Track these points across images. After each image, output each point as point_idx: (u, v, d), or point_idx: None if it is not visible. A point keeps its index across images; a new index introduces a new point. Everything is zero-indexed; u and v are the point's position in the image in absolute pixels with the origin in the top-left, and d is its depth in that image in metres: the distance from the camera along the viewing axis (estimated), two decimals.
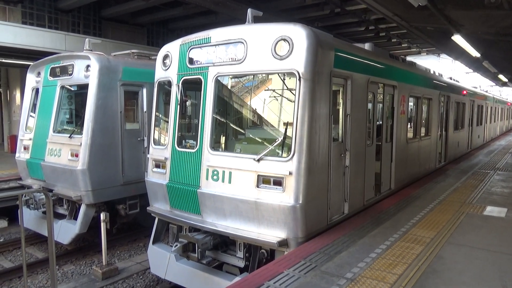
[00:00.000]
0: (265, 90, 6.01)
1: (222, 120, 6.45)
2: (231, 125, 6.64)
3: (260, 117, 6.43)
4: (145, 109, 9.15)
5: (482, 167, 12.72)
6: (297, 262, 4.70)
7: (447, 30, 9.51)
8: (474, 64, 17.59)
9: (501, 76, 21.42)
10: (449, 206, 7.51)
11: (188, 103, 6.86)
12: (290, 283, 4.17)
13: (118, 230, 9.93)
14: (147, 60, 9.73)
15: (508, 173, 11.46)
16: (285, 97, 5.68)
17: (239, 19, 13.17)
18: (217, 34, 5.90)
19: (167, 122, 6.59)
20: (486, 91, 25.01)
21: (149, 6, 15.75)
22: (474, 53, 12.40)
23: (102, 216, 7.46)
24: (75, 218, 8.66)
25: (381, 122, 7.82)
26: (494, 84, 29.64)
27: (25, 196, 8.85)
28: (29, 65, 10.13)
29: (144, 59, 9.73)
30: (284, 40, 5.22)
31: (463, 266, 4.66)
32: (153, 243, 6.90)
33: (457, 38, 10.04)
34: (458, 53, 14.30)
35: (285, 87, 5.60)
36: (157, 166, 6.62)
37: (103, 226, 7.45)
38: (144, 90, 9.16)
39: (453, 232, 5.92)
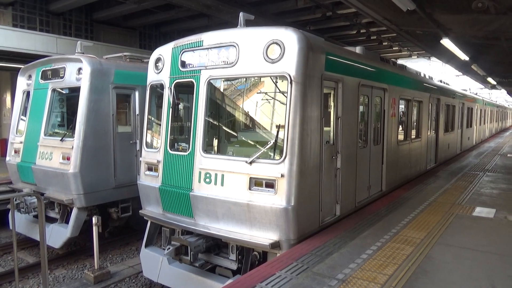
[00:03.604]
0: (257, 93, 6.05)
1: (215, 123, 6.47)
2: (224, 128, 6.67)
3: (252, 120, 6.46)
4: (137, 112, 9.14)
5: (472, 168, 12.89)
6: (289, 263, 4.73)
7: (436, 34, 9.64)
8: (463, 67, 17.83)
9: (490, 79, 21.72)
10: (439, 207, 7.61)
11: (180, 106, 6.87)
12: (282, 284, 4.20)
13: (110, 233, 9.87)
14: (139, 63, 9.72)
15: (497, 175, 11.64)
16: (277, 100, 5.73)
17: (232, 23, 13.23)
18: (209, 37, 5.94)
19: (160, 125, 6.60)
20: (476, 94, 25.36)
21: (142, 9, 15.75)
22: (463, 56, 12.58)
23: (94, 219, 7.41)
24: (67, 222, 8.60)
25: (372, 125, 7.91)
26: (484, 86, 30.03)
27: (16, 199, 8.77)
28: (20, 68, 10.06)
29: (136, 62, 9.73)
30: (276, 43, 5.27)
31: (453, 266, 4.73)
32: (146, 246, 6.89)
33: (446, 42, 10.18)
34: (447, 57, 14.50)
35: (276, 90, 5.64)
36: (150, 169, 6.61)
37: (95, 230, 7.41)
38: (136, 93, 9.16)
39: (443, 233, 6.01)
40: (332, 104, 6.35)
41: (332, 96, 6.33)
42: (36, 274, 8.15)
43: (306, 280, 4.29)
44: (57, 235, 8.51)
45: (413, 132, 10.70)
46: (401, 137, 9.64)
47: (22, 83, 9.94)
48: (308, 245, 5.31)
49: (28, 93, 9.74)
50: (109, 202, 8.92)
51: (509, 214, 6.98)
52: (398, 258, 4.95)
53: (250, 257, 5.59)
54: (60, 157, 8.45)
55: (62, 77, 8.86)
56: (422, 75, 11.93)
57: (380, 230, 6.10)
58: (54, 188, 8.66)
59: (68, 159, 8.25)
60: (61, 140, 8.49)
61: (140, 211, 6.88)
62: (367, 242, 5.54)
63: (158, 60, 6.64)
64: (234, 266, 5.81)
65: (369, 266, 4.68)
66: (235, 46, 5.62)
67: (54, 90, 9.08)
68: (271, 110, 5.92)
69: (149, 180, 6.59)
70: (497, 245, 5.52)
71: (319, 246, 5.31)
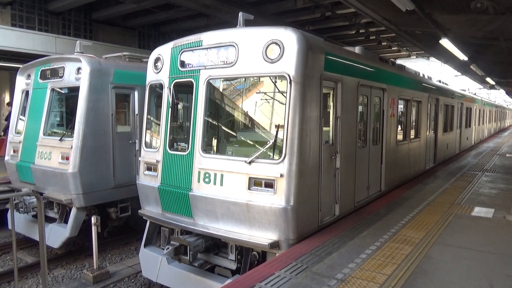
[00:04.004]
0: (256, 93, 6.06)
1: (214, 122, 6.48)
2: (223, 127, 6.68)
3: (251, 120, 6.47)
4: (136, 112, 9.14)
5: (471, 168, 12.91)
6: (288, 263, 4.74)
7: (435, 34, 9.66)
8: (462, 67, 17.85)
9: (488, 79, 21.76)
10: (438, 207, 7.62)
11: (179, 106, 6.87)
12: (281, 284, 4.21)
13: (109, 233, 9.87)
14: (138, 62, 9.71)
15: (495, 175, 11.66)
16: (276, 100, 5.73)
17: (231, 22, 13.23)
18: (208, 37, 5.94)
19: (159, 125, 6.60)
20: (475, 94, 25.40)
21: (141, 9, 15.74)
22: (462, 56, 12.61)
23: (93, 219, 7.41)
24: (66, 222, 8.59)
25: (371, 125, 7.91)
26: (482, 87, 30.08)
27: (15, 199, 8.76)
28: (19, 67, 10.05)
29: (135, 62, 9.72)
30: (275, 43, 5.27)
31: (451, 266, 4.74)
32: (145, 246, 6.88)
33: (445, 42, 10.20)
34: (446, 57, 14.52)
35: (276, 90, 5.65)
36: (149, 169, 6.61)
37: (94, 230, 7.41)
38: (136, 93, 9.15)
39: (442, 232, 6.02)
40: (331, 104, 6.36)
41: (331, 96, 6.34)
42: (35, 274, 8.14)
43: (305, 280, 4.30)
44: (56, 235, 8.50)
45: (412, 132, 10.71)
46: (400, 137, 9.65)
47: (21, 82, 9.92)
48: (308, 245, 5.32)
49: (27, 92, 9.72)
50: (108, 202, 8.90)
51: (507, 214, 6.99)
52: (397, 258, 4.96)
53: (249, 257, 5.59)
54: (59, 157, 8.44)
55: (61, 77, 8.85)
56: (421, 75, 11.94)
57: (379, 230, 6.10)
58: (53, 187, 8.65)
59: (67, 159, 8.25)
60: (60, 139, 8.48)
61: (139, 211, 6.87)
62: (366, 242, 5.55)
63: (157, 60, 6.63)
64: (233, 266, 5.81)
65: (368, 266, 4.69)
66: (234, 46, 5.62)
67: (53, 90, 9.06)
68: (270, 110, 5.92)
69: (148, 180, 6.59)
70: (496, 244, 5.53)
71: (318, 245, 5.31)
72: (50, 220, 8.94)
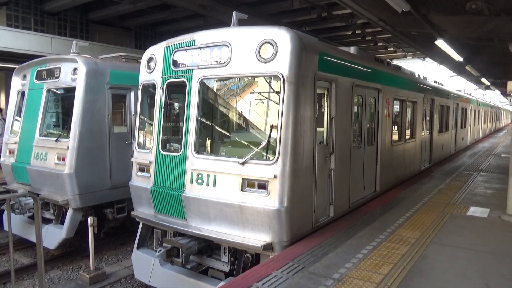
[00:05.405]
0: (250, 93, 6.03)
1: (207, 123, 6.44)
2: (216, 128, 6.64)
3: (245, 120, 6.42)
4: (133, 113, 9.12)
5: (466, 168, 12.95)
6: (285, 263, 4.73)
7: (431, 35, 9.71)
8: (457, 68, 17.93)
9: (483, 80, 21.85)
10: (434, 207, 7.64)
11: (173, 106, 6.85)
12: (278, 284, 4.21)
13: (106, 234, 9.83)
14: (135, 63, 9.69)
15: (491, 175, 11.70)
16: (270, 100, 5.70)
17: (227, 23, 13.20)
18: (201, 37, 5.90)
19: (152, 125, 6.56)
20: (470, 94, 25.48)
21: (137, 9, 15.71)
22: (457, 57, 12.66)
23: (90, 220, 7.38)
24: (62, 223, 8.56)
25: (366, 125, 7.91)
26: (478, 87, 30.19)
27: (11, 200, 8.72)
28: (14, 68, 10.01)
29: (132, 62, 9.69)
30: (269, 43, 5.24)
31: (447, 265, 4.75)
32: (138, 248, 6.82)
33: (440, 43, 10.25)
34: (442, 57, 14.58)
35: (269, 90, 5.62)
36: (141, 170, 6.55)
37: (90, 231, 7.37)
38: (132, 94, 9.14)
39: (438, 232, 6.03)
40: (325, 104, 6.33)
41: (325, 96, 6.32)
42: (31, 275, 8.10)
43: (302, 280, 4.30)
44: (52, 236, 8.47)
45: (408, 133, 10.72)
46: (395, 137, 9.65)
47: (16, 83, 9.89)
48: (304, 245, 5.31)
49: (23, 93, 9.68)
50: (105, 203, 8.88)
51: (502, 214, 7.01)
52: (393, 257, 4.97)
53: (242, 259, 5.56)
54: (55, 157, 8.41)
55: (57, 77, 8.83)
56: (417, 75, 11.96)
57: (375, 230, 6.11)
58: (49, 188, 8.62)
59: (63, 159, 8.22)
60: (56, 140, 8.46)
61: (131, 212, 6.83)
62: (362, 242, 5.55)
63: (150, 59, 6.59)
64: (226, 268, 5.77)
65: (364, 266, 4.69)
66: (227, 46, 5.58)
67: (49, 90, 9.04)
68: (264, 110, 5.90)
69: (140, 181, 6.54)
70: (491, 244, 5.55)
71: (315, 246, 5.31)
72: (46, 221, 8.90)
